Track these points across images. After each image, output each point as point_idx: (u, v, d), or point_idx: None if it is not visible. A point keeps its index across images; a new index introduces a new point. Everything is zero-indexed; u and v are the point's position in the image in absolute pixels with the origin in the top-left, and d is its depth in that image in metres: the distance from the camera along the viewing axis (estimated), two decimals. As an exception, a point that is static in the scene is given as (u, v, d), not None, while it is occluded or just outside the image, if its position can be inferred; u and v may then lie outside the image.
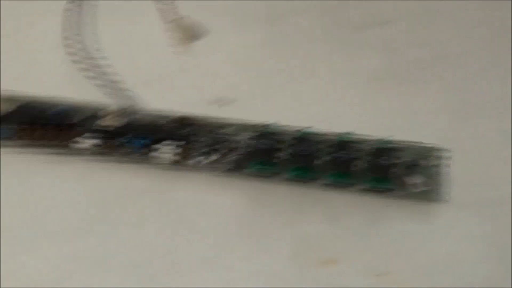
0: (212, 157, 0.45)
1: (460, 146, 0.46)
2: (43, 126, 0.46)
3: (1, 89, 0.48)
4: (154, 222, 0.44)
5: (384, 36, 0.52)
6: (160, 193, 0.45)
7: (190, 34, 0.51)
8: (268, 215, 0.44)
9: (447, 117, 0.47)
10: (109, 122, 0.45)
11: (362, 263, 0.42)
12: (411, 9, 0.53)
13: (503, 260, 0.42)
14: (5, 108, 0.46)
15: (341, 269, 0.42)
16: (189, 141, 0.46)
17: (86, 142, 0.46)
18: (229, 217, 0.44)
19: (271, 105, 0.49)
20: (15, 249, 0.43)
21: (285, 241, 0.43)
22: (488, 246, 0.42)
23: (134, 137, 0.45)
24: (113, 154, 0.46)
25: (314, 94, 0.49)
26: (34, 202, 0.45)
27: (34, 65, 0.51)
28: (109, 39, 0.52)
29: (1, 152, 0.47)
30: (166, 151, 0.45)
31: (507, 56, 0.50)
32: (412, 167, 0.44)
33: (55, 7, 0.53)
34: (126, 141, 0.46)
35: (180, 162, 0.45)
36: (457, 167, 0.45)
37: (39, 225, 0.44)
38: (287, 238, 0.43)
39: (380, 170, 0.43)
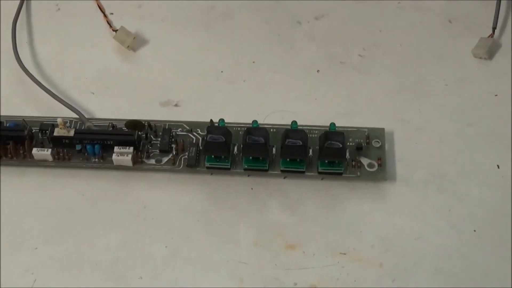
0: (168, 157, 0.46)
1: (402, 128, 0.48)
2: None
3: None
4: (117, 222, 0.45)
5: (321, 29, 0.54)
6: (120, 194, 0.46)
7: (133, 42, 0.53)
8: (227, 208, 0.45)
9: (388, 101, 0.50)
10: (62, 132, 0.46)
11: (322, 245, 0.44)
12: (345, 0, 0.55)
13: (452, 230, 0.44)
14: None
15: (303, 252, 0.43)
16: (142, 143, 0.47)
17: (42, 152, 0.46)
18: (189, 212, 0.45)
19: (215, 105, 0.50)
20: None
21: (247, 231, 0.44)
22: (437, 219, 0.44)
23: (89, 143, 0.46)
24: (70, 161, 0.46)
25: (258, 90, 0.51)
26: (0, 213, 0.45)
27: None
28: (55, 53, 0.53)
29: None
30: (122, 153, 0.46)
31: (445, 38, 0.53)
32: (359, 150, 0.46)
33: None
34: (81, 148, 0.46)
35: (136, 164, 0.46)
36: (401, 147, 0.47)
37: (8, 236, 0.44)
38: (249, 228, 0.44)
39: (330, 154, 0.44)
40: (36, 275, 0.43)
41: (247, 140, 0.44)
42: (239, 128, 0.47)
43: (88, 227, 0.45)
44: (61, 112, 0.49)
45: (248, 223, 0.45)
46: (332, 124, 0.46)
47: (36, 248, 0.44)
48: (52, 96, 0.49)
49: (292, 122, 0.46)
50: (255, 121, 0.46)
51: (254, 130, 0.45)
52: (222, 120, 0.46)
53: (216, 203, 0.46)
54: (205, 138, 0.45)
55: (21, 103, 0.50)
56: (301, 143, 0.44)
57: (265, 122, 0.48)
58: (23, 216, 0.45)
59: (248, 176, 0.46)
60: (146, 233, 0.44)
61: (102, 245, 0.44)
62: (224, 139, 0.44)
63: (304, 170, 0.45)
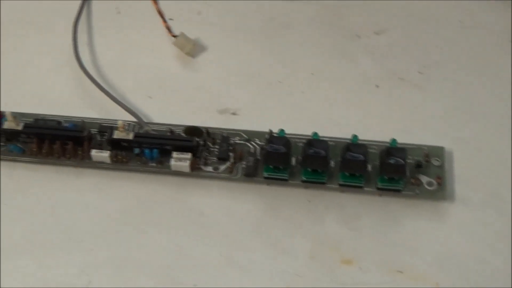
0: (226, 165, 0.46)
1: (461, 147, 0.48)
2: (52, 142, 0.47)
3: (9, 109, 0.49)
4: (172, 229, 0.45)
5: (381, 43, 0.53)
6: (177, 200, 0.46)
7: (192, 49, 0.52)
8: (284, 218, 0.45)
9: (449, 119, 0.49)
10: (121, 135, 0.46)
11: (378, 262, 0.43)
12: (406, 17, 0.55)
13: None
14: (14, 126, 0.47)
15: (359, 268, 0.43)
16: (201, 149, 0.47)
17: (100, 154, 0.46)
18: (246, 222, 0.45)
19: (273, 115, 0.50)
20: (41, 260, 0.43)
21: (303, 243, 0.44)
22: (496, 240, 0.44)
23: (147, 147, 0.46)
24: (127, 164, 0.46)
25: (316, 101, 0.50)
26: (55, 215, 0.45)
27: (40, 85, 0.52)
28: (114, 56, 0.53)
29: (16, 168, 0.47)
30: (180, 159, 0.46)
31: (506, 59, 0.52)
32: (419, 168, 0.46)
33: (59, 26, 0.54)
34: (140, 152, 0.46)
35: (194, 170, 0.46)
36: (460, 166, 0.47)
37: (63, 236, 0.44)
38: (305, 240, 0.44)
39: (390, 171, 0.44)
40: (90, 277, 0.43)
41: (308, 151, 0.44)
42: (297, 140, 0.47)
43: (143, 231, 0.45)
44: (119, 115, 0.49)
45: (304, 236, 0.44)
46: (394, 140, 0.45)
47: (92, 249, 0.44)
48: (111, 99, 0.49)
49: (352, 136, 0.46)
50: (315, 133, 0.46)
51: (315, 142, 0.44)
52: (282, 131, 0.46)
53: (272, 213, 0.45)
54: (265, 147, 0.45)
55: (80, 104, 0.50)
56: (362, 157, 0.44)
57: (323, 134, 0.48)
58: (79, 216, 0.45)
59: (307, 188, 0.46)
60: (201, 240, 0.44)
61: (157, 250, 0.44)
62: (284, 150, 0.44)
63: (362, 185, 0.45)
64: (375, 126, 0.49)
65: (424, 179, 0.46)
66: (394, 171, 0.44)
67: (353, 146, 0.44)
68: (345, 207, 0.46)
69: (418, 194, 0.45)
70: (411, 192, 0.45)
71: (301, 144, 0.46)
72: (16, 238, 0.44)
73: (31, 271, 0.43)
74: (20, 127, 0.47)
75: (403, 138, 0.47)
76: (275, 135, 0.46)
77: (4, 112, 0.48)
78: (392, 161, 0.43)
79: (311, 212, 0.45)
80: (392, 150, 0.44)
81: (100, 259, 0.44)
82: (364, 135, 0.47)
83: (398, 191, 0.45)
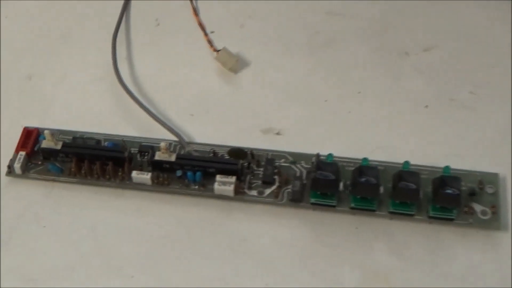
0: (271, 189, 0.45)
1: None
2: (92, 162, 0.45)
3: (46, 126, 0.48)
4: (215, 255, 0.43)
5: (430, 61, 0.51)
6: (220, 225, 0.44)
7: (235, 64, 0.51)
8: (330, 246, 0.43)
9: (503, 143, 0.47)
10: (163, 156, 0.45)
11: (429, 295, 0.42)
12: (456, 33, 0.53)
13: None
14: (53, 145, 0.45)
15: (409, 301, 0.41)
16: (245, 172, 0.45)
17: (141, 176, 0.45)
18: (290, 249, 0.43)
19: (319, 136, 0.48)
20: (81, 283, 0.42)
21: (351, 273, 0.42)
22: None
23: (190, 170, 0.45)
24: (168, 187, 0.45)
25: (363, 122, 0.49)
26: (95, 238, 0.44)
27: (78, 101, 0.50)
28: (154, 70, 0.52)
29: (53, 188, 0.46)
30: (224, 183, 0.44)
31: None
32: (472, 196, 0.44)
33: (97, 40, 0.53)
34: (182, 174, 0.45)
35: (237, 194, 0.44)
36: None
37: (103, 261, 0.43)
38: (353, 270, 0.42)
39: (445, 201, 0.42)
40: (131, 304, 0.42)
41: (358, 179, 0.42)
42: (344, 163, 0.45)
43: (185, 257, 0.43)
44: (159, 133, 0.47)
45: (352, 264, 0.43)
46: (447, 167, 0.43)
47: (133, 276, 0.43)
48: (151, 116, 0.48)
49: (404, 163, 0.44)
50: (365, 159, 0.44)
51: (366, 169, 0.43)
52: (330, 155, 0.44)
53: (319, 240, 0.44)
54: (312, 173, 0.43)
55: (119, 121, 0.49)
56: (415, 186, 0.42)
57: (371, 157, 0.46)
58: (120, 240, 0.44)
59: (353, 214, 0.44)
60: (245, 268, 0.43)
61: (199, 278, 0.42)
62: (334, 177, 0.42)
63: (414, 213, 0.43)
64: (425, 149, 0.47)
65: (478, 207, 0.44)
66: (448, 202, 0.42)
67: (406, 174, 0.42)
68: (394, 235, 0.44)
69: (472, 223, 0.43)
70: (464, 222, 0.43)
71: (349, 169, 0.45)
72: (54, 262, 0.43)
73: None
74: (58, 146, 0.45)
75: (455, 163, 0.45)
76: (322, 159, 0.44)
77: (41, 129, 0.47)
78: (447, 191, 0.41)
79: (359, 239, 0.44)
80: (446, 179, 0.42)
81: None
82: (414, 159, 0.45)
83: (450, 219, 0.43)
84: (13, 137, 0.48)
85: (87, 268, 0.43)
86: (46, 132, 0.45)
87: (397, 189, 0.42)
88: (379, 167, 0.44)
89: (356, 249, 0.43)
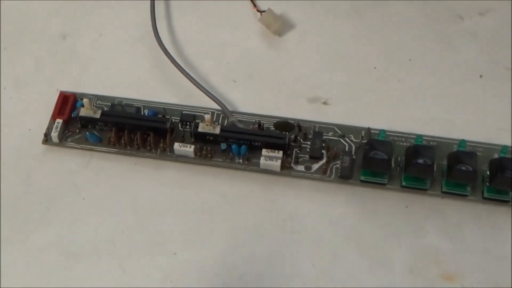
0: (319, 164, 0.43)
1: None
2: (132, 131, 0.43)
3: (82, 91, 0.46)
4: (261, 231, 0.42)
5: (485, 26, 0.49)
6: (265, 201, 0.43)
7: (280, 27, 0.48)
8: (379, 226, 0.42)
9: None
10: (207, 128, 0.43)
11: (482, 280, 0.40)
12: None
13: None
14: (91, 113, 0.43)
15: (461, 285, 0.40)
16: (292, 146, 0.43)
17: (184, 149, 0.43)
18: (339, 227, 0.42)
19: (368, 107, 0.46)
20: (122, 262, 0.41)
21: (401, 254, 0.41)
22: None
23: (235, 143, 0.43)
24: (212, 160, 0.43)
25: (414, 92, 0.46)
26: (135, 211, 0.42)
27: (115, 64, 0.48)
28: (194, 32, 0.49)
29: (92, 158, 0.44)
30: (270, 158, 0.42)
31: None
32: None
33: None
34: (226, 147, 0.43)
35: (284, 169, 0.43)
36: None
37: (144, 237, 0.42)
38: (403, 251, 0.41)
39: (503, 183, 0.40)
40: (175, 283, 0.40)
41: (414, 160, 0.40)
42: (395, 138, 0.43)
43: (230, 234, 0.42)
44: (201, 101, 0.45)
45: (402, 246, 0.41)
46: (505, 147, 0.41)
47: (175, 253, 0.41)
48: (193, 83, 0.45)
49: (460, 141, 0.42)
50: (419, 137, 0.42)
51: (422, 149, 0.41)
52: (383, 132, 0.42)
53: (368, 219, 0.42)
54: (364, 149, 0.41)
55: (158, 86, 0.47)
56: (472, 168, 0.40)
57: (420, 132, 0.44)
58: (161, 214, 0.43)
59: (406, 192, 0.42)
60: (293, 248, 0.41)
61: (245, 256, 0.41)
62: (387, 157, 0.40)
63: (468, 194, 0.41)
64: (479, 123, 0.45)
65: (535, 189, 0.42)
66: (506, 184, 0.40)
67: (463, 155, 0.40)
68: (446, 215, 0.42)
69: (528, 205, 0.41)
70: (520, 203, 0.41)
71: (400, 144, 0.43)
72: (95, 235, 0.42)
73: (112, 274, 0.41)
74: (97, 115, 0.44)
75: (509, 139, 0.43)
76: (375, 137, 0.42)
77: (79, 95, 0.45)
78: (506, 175, 0.40)
79: (409, 219, 0.42)
80: (504, 161, 0.40)
81: (185, 265, 0.41)
82: (468, 134, 0.44)
83: (506, 201, 0.41)
84: (49, 102, 0.46)
85: (129, 243, 0.42)
86: (85, 100, 0.43)
87: (453, 170, 0.40)
88: (432, 143, 0.42)
89: (406, 230, 0.42)
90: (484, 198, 0.42)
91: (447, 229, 0.42)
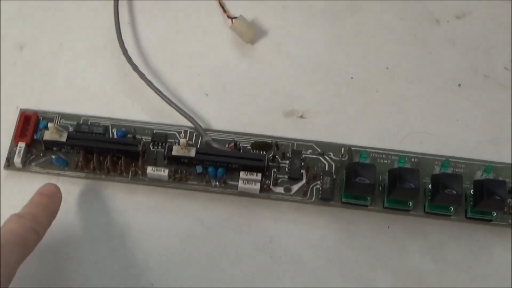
0: (298, 185, 0.41)
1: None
2: (101, 154, 0.41)
3: (42, 108, 0.43)
4: (241, 256, 0.40)
5: (462, 31, 0.47)
6: (243, 225, 0.41)
7: (252, 34, 0.46)
8: (362, 248, 0.41)
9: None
10: (181, 152, 0.41)
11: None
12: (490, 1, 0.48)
13: None
14: (57, 137, 0.41)
15: (446, 307, 0.40)
16: (270, 166, 0.42)
17: (157, 173, 0.41)
18: (321, 250, 0.41)
19: (346, 120, 0.44)
20: None
21: (383, 275, 0.40)
22: None
23: (211, 165, 0.41)
24: (187, 183, 0.41)
25: (392, 103, 0.45)
26: (107, 237, 0.40)
27: (78, 77, 0.45)
28: (158, 39, 0.47)
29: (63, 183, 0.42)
30: (249, 181, 0.41)
31: None
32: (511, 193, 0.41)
33: (95, 6, 0.47)
34: (202, 170, 0.41)
35: (262, 191, 0.41)
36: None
37: (117, 265, 0.40)
38: (386, 273, 0.40)
39: (488, 206, 0.40)
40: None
41: (399, 185, 0.39)
42: (376, 155, 0.42)
43: (208, 260, 0.40)
44: (173, 118, 0.43)
45: (385, 267, 0.40)
46: (489, 167, 0.41)
47: (152, 284, 0.40)
48: (163, 99, 0.43)
49: (443, 162, 0.41)
50: (402, 158, 0.41)
51: (406, 172, 0.39)
52: (365, 153, 0.41)
53: (349, 241, 0.41)
54: (348, 175, 0.40)
55: (126, 101, 0.44)
56: (455, 192, 0.39)
57: (401, 147, 0.43)
58: (135, 243, 0.41)
59: (387, 213, 0.41)
60: (274, 272, 0.40)
61: (225, 282, 0.40)
62: (372, 182, 0.39)
63: (451, 214, 0.41)
64: (459, 136, 0.44)
65: (515, 204, 0.41)
66: (491, 206, 0.39)
67: (448, 178, 0.39)
68: (428, 235, 0.42)
69: (511, 224, 0.41)
70: (503, 222, 0.41)
71: (381, 161, 0.42)
72: (64, 267, 0.40)
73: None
74: (63, 138, 0.41)
75: (490, 152, 0.43)
76: (356, 155, 0.41)
77: (41, 113, 0.42)
78: (490, 196, 0.39)
79: (391, 239, 0.41)
80: (491, 183, 0.39)
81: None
82: (447, 148, 0.43)
83: (489, 220, 0.41)
84: (8, 121, 0.43)
85: (102, 275, 0.40)
86: (49, 125, 0.41)
87: (439, 194, 0.39)
88: (413, 160, 0.41)
89: (388, 251, 0.41)
90: (468, 218, 0.41)
91: (430, 249, 0.41)
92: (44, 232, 0.37)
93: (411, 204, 0.40)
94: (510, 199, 0.41)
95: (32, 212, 0.37)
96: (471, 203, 0.41)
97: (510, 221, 0.41)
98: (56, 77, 0.45)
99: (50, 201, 0.38)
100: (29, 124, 0.42)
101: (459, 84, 0.45)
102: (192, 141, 0.42)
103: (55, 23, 0.47)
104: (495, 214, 0.40)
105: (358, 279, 0.40)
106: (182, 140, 0.40)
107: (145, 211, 0.41)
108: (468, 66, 0.46)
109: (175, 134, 0.42)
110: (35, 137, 0.42)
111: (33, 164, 0.42)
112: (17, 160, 0.41)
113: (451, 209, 0.40)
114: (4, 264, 0.33)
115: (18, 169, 0.42)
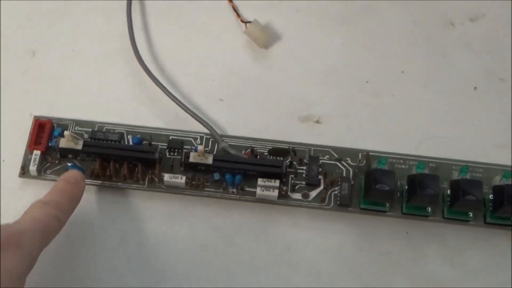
0: (315, 191, 0.41)
1: None
2: (117, 161, 0.41)
3: (56, 115, 0.43)
4: (258, 264, 0.40)
5: (476, 33, 0.47)
6: (261, 232, 0.41)
7: (267, 41, 0.45)
8: (380, 253, 0.41)
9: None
10: (198, 159, 0.40)
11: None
12: (504, 2, 0.48)
13: None
14: (72, 145, 0.40)
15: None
16: (288, 173, 0.41)
17: (174, 180, 0.40)
18: (339, 257, 0.40)
19: (362, 124, 0.44)
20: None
21: (402, 282, 0.40)
22: None
23: (228, 172, 0.41)
24: (204, 190, 0.41)
25: (408, 108, 0.45)
26: (126, 245, 0.40)
27: (91, 83, 0.45)
28: (170, 44, 0.46)
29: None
30: (267, 188, 0.40)
31: None
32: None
33: (109, 8, 0.47)
34: (219, 177, 0.41)
35: (280, 198, 0.41)
36: None
37: (135, 274, 0.39)
38: (404, 278, 0.40)
39: (506, 211, 0.39)
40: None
41: (419, 191, 0.39)
42: (394, 160, 0.42)
43: (226, 268, 0.40)
44: (188, 123, 0.43)
45: (403, 273, 0.40)
46: (507, 173, 0.40)
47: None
48: (178, 104, 0.43)
49: (462, 168, 0.41)
50: (420, 163, 0.41)
51: (425, 178, 0.39)
52: (384, 159, 0.41)
53: (368, 247, 0.41)
54: (368, 182, 0.40)
55: (140, 107, 0.44)
56: (475, 198, 0.39)
57: (417, 152, 0.42)
58: (153, 251, 0.40)
59: (406, 218, 0.41)
60: (292, 280, 0.40)
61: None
62: (392, 189, 0.39)
63: (470, 220, 0.40)
64: (476, 140, 0.44)
65: (536, 210, 0.41)
66: (511, 212, 0.39)
67: (468, 184, 0.39)
68: (447, 240, 0.41)
69: (530, 229, 0.41)
70: (522, 226, 0.41)
71: (399, 167, 0.41)
72: (82, 275, 0.39)
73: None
74: (79, 146, 0.41)
75: (508, 156, 0.43)
76: (374, 161, 0.41)
77: (55, 120, 0.42)
78: (511, 205, 0.39)
79: (410, 245, 0.41)
80: (509, 189, 0.39)
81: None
82: (463, 152, 0.43)
83: (507, 225, 0.41)
84: (22, 128, 0.43)
85: (119, 284, 0.39)
86: (66, 133, 0.40)
87: (459, 201, 0.39)
88: (431, 165, 0.41)
89: (407, 256, 0.41)
90: (486, 223, 0.41)
91: (449, 254, 0.41)
92: (66, 219, 0.36)
93: (430, 210, 0.40)
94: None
95: (56, 199, 0.36)
96: (490, 208, 0.40)
97: (527, 225, 0.41)
98: (69, 84, 0.45)
99: (74, 188, 0.38)
100: (44, 132, 0.42)
101: (475, 88, 0.45)
102: (208, 147, 0.42)
103: (67, 29, 0.46)
104: (514, 219, 0.40)
105: (376, 285, 0.40)
106: (200, 148, 0.40)
107: (162, 219, 0.41)
108: (483, 69, 0.46)
109: (191, 141, 0.42)
110: (50, 144, 0.41)
111: (48, 172, 0.41)
112: (33, 168, 0.41)
113: (470, 214, 0.40)
114: (27, 251, 0.33)
115: (34, 177, 0.41)
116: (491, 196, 0.40)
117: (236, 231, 0.41)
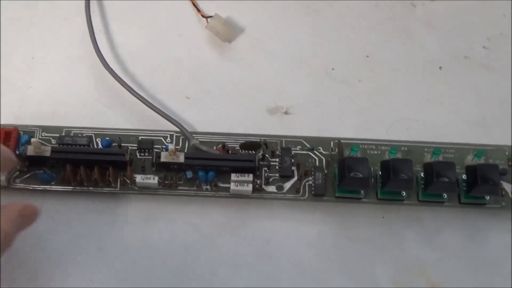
0: (290, 182, 0.41)
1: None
2: (88, 166, 0.40)
3: (21, 122, 0.42)
4: (238, 261, 0.40)
5: (438, 13, 0.47)
6: (238, 228, 0.41)
7: (229, 32, 0.45)
8: (359, 241, 0.41)
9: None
10: (170, 158, 0.40)
11: (472, 284, 0.40)
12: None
13: None
14: (40, 151, 0.40)
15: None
16: (261, 166, 0.41)
17: (147, 181, 0.40)
18: (319, 248, 0.40)
19: (331, 113, 0.44)
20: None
21: (384, 268, 0.40)
22: None
23: (201, 169, 0.40)
24: (177, 189, 0.40)
25: (375, 92, 0.45)
26: (104, 252, 0.40)
27: (55, 88, 0.44)
28: (132, 43, 0.46)
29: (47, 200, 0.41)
30: (241, 182, 0.40)
31: None
32: (503, 175, 0.41)
33: (67, 10, 0.46)
34: (192, 175, 0.40)
35: (255, 192, 0.40)
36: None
37: (113, 279, 0.39)
38: (385, 264, 0.40)
39: (483, 191, 0.39)
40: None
41: (393, 176, 0.39)
42: (365, 146, 0.42)
43: (203, 267, 0.40)
44: (157, 123, 0.42)
45: (384, 259, 0.40)
46: (480, 152, 0.41)
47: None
48: (145, 104, 0.42)
49: (434, 150, 0.41)
50: (393, 148, 0.41)
51: (398, 163, 0.39)
52: (356, 146, 0.41)
53: (346, 235, 0.41)
54: (341, 171, 0.39)
55: (107, 109, 0.44)
56: (451, 180, 0.39)
57: (388, 136, 0.43)
58: (132, 256, 0.40)
59: (379, 204, 0.41)
60: (273, 275, 0.40)
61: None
62: (366, 175, 0.39)
63: (445, 201, 0.40)
64: (444, 120, 0.44)
65: (508, 187, 0.41)
66: (486, 192, 0.40)
67: (440, 166, 0.39)
68: (423, 222, 0.41)
69: (504, 206, 0.41)
70: (496, 205, 0.41)
71: (372, 152, 0.41)
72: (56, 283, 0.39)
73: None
74: (47, 153, 0.40)
75: (477, 135, 0.43)
76: (346, 148, 0.41)
77: (21, 128, 0.41)
78: (485, 186, 0.39)
79: (387, 230, 0.41)
80: (484, 168, 0.39)
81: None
82: (434, 133, 0.43)
83: (482, 204, 0.41)
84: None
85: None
86: (33, 140, 0.39)
87: (433, 184, 0.39)
88: (403, 149, 0.41)
89: (386, 242, 0.41)
90: (461, 203, 0.41)
91: (426, 237, 0.41)
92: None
93: (404, 194, 0.40)
94: (504, 183, 0.41)
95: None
96: (464, 188, 0.40)
97: (503, 203, 0.41)
98: (33, 91, 0.44)
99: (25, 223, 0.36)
100: (10, 140, 0.41)
101: (440, 67, 0.45)
102: (179, 145, 0.41)
103: (26, 36, 0.45)
104: (488, 198, 0.40)
105: (359, 273, 0.40)
106: (171, 146, 0.39)
107: (137, 220, 0.41)
108: (447, 48, 0.46)
109: (161, 140, 0.41)
110: (17, 152, 0.41)
111: (17, 180, 0.40)
112: (2, 178, 0.40)
113: (444, 196, 0.40)
114: None
115: (4, 187, 0.40)
116: (464, 176, 0.40)
117: (213, 228, 0.41)
